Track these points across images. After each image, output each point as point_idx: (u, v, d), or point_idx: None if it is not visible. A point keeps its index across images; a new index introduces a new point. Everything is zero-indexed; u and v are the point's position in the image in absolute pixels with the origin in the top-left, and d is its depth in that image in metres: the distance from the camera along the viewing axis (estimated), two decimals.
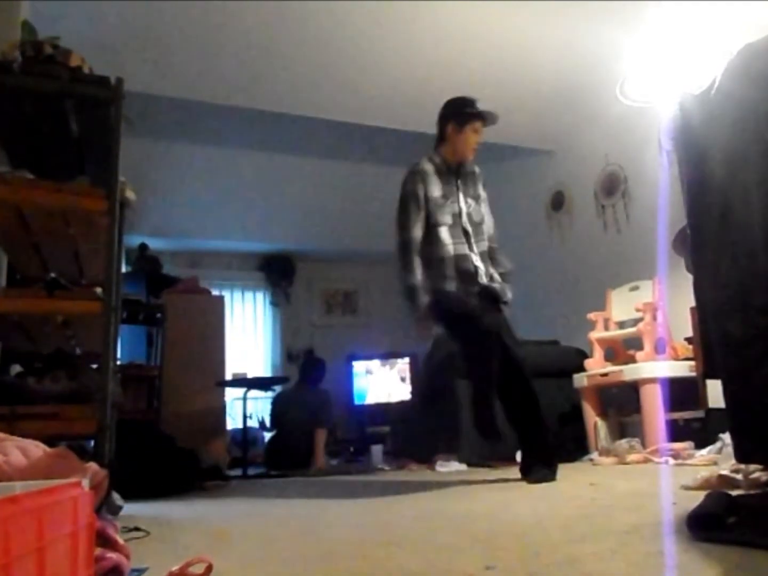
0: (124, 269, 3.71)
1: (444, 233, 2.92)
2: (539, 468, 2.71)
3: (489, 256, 3.03)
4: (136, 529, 1.68)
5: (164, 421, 4.20)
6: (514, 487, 2.61)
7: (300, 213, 6.37)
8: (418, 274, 2.89)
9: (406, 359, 6.66)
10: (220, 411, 4.93)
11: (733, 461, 1.73)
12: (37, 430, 1.81)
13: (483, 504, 2.16)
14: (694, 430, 3.60)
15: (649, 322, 3.89)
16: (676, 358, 3.82)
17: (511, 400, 2.85)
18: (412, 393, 6.48)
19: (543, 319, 5.24)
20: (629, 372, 3.81)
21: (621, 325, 4.30)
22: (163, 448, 3.35)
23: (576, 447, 4.02)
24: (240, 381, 5.00)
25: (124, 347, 4.67)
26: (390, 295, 5.90)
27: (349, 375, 6.74)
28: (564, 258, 5.57)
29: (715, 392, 3.07)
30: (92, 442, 2.22)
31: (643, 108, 4.24)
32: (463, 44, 4.24)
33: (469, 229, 2.97)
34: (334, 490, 3.18)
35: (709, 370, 1.56)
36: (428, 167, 2.99)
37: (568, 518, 1.67)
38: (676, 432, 3.58)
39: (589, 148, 5.32)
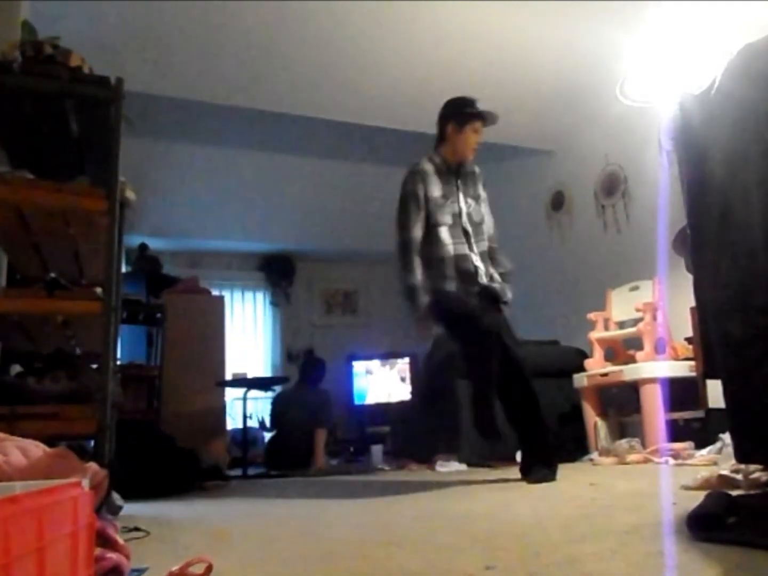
0: (124, 269, 3.71)
1: (444, 233, 2.92)
2: (539, 468, 2.71)
3: (489, 256, 3.03)
4: (136, 529, 1.68)
5: (164, 421, 4.20)
6: (514, 487, 2.61)
7: (300, 213, 6.37)
8: (418, 274, 2.89)
9: (406, 359, 6.66)
10: (220, 411, 4.93)
11: (733, 461, 1.73)
12: (37, 430, 1.81)
13: (483, 504, 2.16)
14: (694, 430, 3.59)
15: (649, 322, 3.89)
16: (676, 358, 3.82)
17: (511, 400, 2.85)
18: (412, 393, 6.47)
19: (543, 319, 5.24)
20: (629, 372, 3.81)
21: (621, 325, 4.30)
22: (163, 448, 3.35)
23: (576, 447, 4.02)
24: (240, 381, 5.00)
25: (124, 347, 4.67)
26: (390, 295, 5.90)
27: (349, 375, 6.74)
28: (564, 258, 5.57)
29: (715, 392, 3.07)
30: (92, 442, 2.22)
31: (643, 108, 4.24)
32: (463, 44, 4.24)
33: (469, 229, 2.97)
34: (334, 490, 3.18)
35: (709, 370, 1.56)
36: (428, 167, 2.99)
37: (568, 518, 1.67)
38: (676, 432, 3.58)
39: (589, 148, 5.32)
